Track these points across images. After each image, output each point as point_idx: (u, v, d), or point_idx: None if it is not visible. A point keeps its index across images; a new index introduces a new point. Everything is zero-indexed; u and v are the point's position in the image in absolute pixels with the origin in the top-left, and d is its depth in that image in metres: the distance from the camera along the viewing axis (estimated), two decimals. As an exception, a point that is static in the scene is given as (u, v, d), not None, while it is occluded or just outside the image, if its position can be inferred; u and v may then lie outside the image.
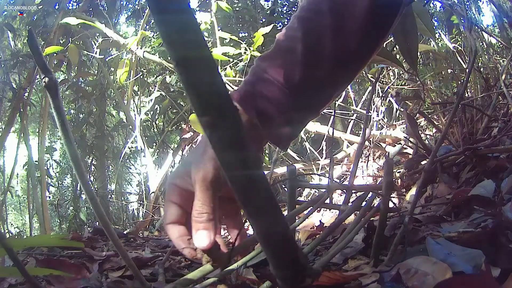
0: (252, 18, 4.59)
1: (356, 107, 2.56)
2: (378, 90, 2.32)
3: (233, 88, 2.21)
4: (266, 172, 1.20)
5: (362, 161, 2.08)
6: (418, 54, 0.94)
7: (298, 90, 0.47)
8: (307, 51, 0.46)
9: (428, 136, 2.05)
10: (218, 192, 0.45)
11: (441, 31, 4.14)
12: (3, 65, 3.85)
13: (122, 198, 5.17)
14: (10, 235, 4.40)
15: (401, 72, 2.75)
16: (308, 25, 0.47)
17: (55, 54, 3.24)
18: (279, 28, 4.59)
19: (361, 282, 0.49)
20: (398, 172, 1.63)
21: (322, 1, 0.47)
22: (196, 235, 0.44)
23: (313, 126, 2.45)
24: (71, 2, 4.20)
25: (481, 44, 2.71)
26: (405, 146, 1.99)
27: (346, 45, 0.47)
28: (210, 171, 0.44)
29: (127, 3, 5.09)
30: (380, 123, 2.31)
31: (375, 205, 0.67)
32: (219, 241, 0.48)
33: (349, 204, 1.11)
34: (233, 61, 2.60)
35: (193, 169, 0.46)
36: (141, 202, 3.87)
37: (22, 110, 3.57)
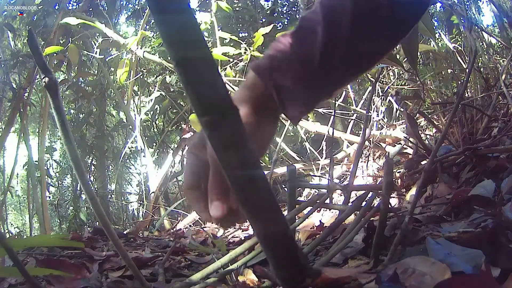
0: (252, 18, 4.59)
1: (356, 107, 2.56)
2: (378, 90, 2.32)
3: (233, 88, 2.21)
4: (266, 172, 1.20)
5: (362, 161, 2.08)
6: (418, 54, 0.93)
7: (315, 70, 0.49)
8: (326, 34, 0.48)
9: (428, 136, 2.05)
10: None
11: (441, 31, 4.14)
12: (3, 65, 3.85)
13: (122, 198, 5.17)
14: (10, 235, 4.40)
15: (401, 72, 2.74)
16: (328, 10, 0.49)
17: (55, 54, 3.24)
18: (279, 28, 4.58)
19: (361, 282, 0.49)
20: (398, 172, 1.63)
21: None
22: (212, 205, 0.47)
23: (313, 126, 2.45)
24: (71, 2, 4.21)
25: (481, 44, 2.71)
26: (405, 146, 1.99)
27: (365, 35, 0.49)
28: None
29: (127, 3, 5.09)
30: (380, 123, 2.31)
31: (375, 205, 0.67)
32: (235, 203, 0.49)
33: (349, 204, 1.11)
34: (233, 61, 2.60)
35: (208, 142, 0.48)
36: (141, 202, 3.87)
37: (22, 110, 3.56)
